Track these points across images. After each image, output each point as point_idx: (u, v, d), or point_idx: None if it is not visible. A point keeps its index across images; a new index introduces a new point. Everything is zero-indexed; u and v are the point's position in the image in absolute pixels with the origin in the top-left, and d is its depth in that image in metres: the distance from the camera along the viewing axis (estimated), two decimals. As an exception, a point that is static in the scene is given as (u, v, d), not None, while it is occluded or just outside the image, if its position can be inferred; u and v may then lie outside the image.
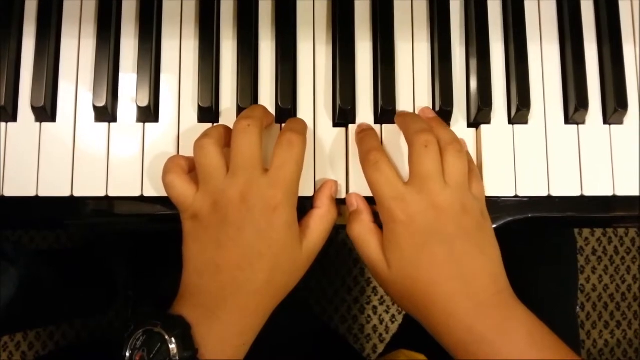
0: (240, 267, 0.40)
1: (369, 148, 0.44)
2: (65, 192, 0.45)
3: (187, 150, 0.45)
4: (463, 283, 0.41)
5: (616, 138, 0.48)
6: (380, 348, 1.15)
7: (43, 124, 0.46)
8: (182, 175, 0.42)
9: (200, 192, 0.42)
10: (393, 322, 1.15)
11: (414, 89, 0.48)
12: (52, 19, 0.47)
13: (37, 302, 0.79)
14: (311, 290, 1.14)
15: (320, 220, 0.44)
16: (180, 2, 0.48)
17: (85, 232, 1.09)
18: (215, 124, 0.46)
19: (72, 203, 0.46)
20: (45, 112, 0.45)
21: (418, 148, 0.42)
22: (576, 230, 1.13)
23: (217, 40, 0.47)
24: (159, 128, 0.46)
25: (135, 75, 0.46)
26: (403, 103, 0.48)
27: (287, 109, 0.46)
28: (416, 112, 0.48)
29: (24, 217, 0.46)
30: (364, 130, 0.46)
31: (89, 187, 0.45)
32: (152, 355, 0.37)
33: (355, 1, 0.48)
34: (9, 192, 0.45)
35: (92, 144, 0.46)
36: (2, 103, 0.45)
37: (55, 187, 0.45)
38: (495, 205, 0.47)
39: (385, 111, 0.47)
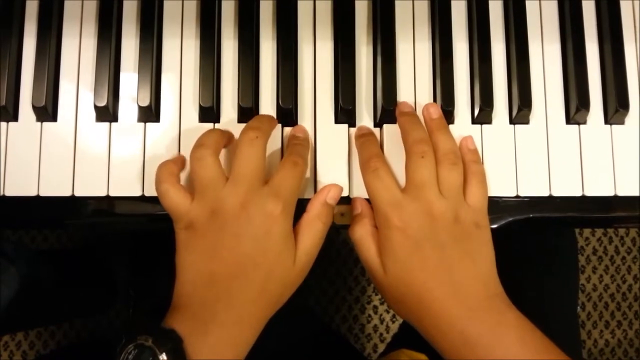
0: (235, 276, 0.40)
1: (370, 155, 0.44)
2: (66, 192, 0.45)
3: (188, 151, 0.45)
4: (454, 288, 0.42)
5: (617, 138, 0.48)
6: (381, 348, 1.15)
7: (44, 123, 0.46)
8: (176, 185, 0.42)
9: (196, 201, 0.42)
10: (394, 322, 1.15)
11: (415, 89, 0.48)
12: (53, 19, 0.47)
13: (38, 302, 0.79)
14: (312, 290, 1.14)
15: (308, 225, 0.43)
16: (181, 1, 0.48)
17: (85, 232, 1.09)
18: (209, 130, 0.45)
19: (73, 203, 0.46)
20: (46, 111, 0.45)
21: (415, 158, 0.43)
22: (577, 230, 1.12)
23: (218, 40, 0.47)
24: (160, 128, 0.46)
25: (136, 75, 0.46)
26: (404, 103, 0.48)
27: (288, 108, 0.46)
28: (420, 109, 0.48)
29: (25, 216, 0.46)
30: (365, 135, 0.46)
31: (90, 186, 0.45)
32: None
33: (356, 1, 0.48)
34: (9, 191, 0.45)
35: (93, 144, 0.46)
36: (3, 103, 0.45)
37: (56, 186, 0.45)
38: (496, 205, 0.47)
39: (387, 111, 0.47)
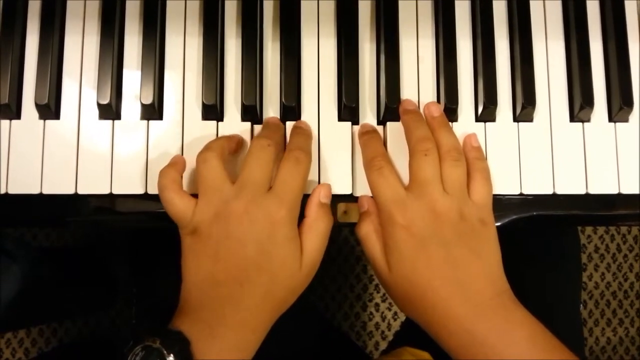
0: (240, 282, 0.40)
1: (374, 153, 0.44)
2: (69, 190, 0.45)
3: (191, 148, 0.45)
4: (460, 286, 0.41)
5: (621, 136, 0.48)
6: (383, 345, 1.15)
7: (47, 121, 0.46)
8: (179, 192, 0.42)
9: (200, 203, 0.42)
10: (395, 319, 1.15)
11: (418, 87, 0.48)
12: (56, 16, 0.46)
13: (39, 300, 0.79)
14: (314, 287, 1.14)
15: (310, 228, 0.43)
16: (184, -1, 0.48)
17: (88, 230, 1.09)
18: (216, 138, 0.45)
19: (75, 200, 0.46)
20: (49, 109, 0.45)
21: (419, 156, 0.43)
22: (579, 228, 1.12)
23: (222, 38, 0.47)
24: (163, 125, 0.46)
25: (139, 73, 0.46)
26: (408, 101, 0.48)
27: (291, 106, 0.46)
28: (422, 108, 0.47)
29: (28, 214, 0.46)
30: (369, 133, 0.46)
31: (93, 184, 0.45)
32: None
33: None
34: (13, 189, 0.45)
35: (96, 142, 0.46)
36: (6, 100, 0.45)
37: (59, 184, 0.45)
38: (500, 203, 0.47)
39: (390, 109, 0.47)
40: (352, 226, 0.46)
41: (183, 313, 0.41)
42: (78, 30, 0.47)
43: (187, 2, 0.48)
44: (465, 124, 0.48)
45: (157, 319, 0.41)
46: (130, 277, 1.01)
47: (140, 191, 0.46)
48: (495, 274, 0.43)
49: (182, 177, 0.44)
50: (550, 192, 0.47)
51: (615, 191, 0.48)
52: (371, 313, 1.15)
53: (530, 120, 0.48)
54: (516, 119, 0.48)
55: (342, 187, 0.46)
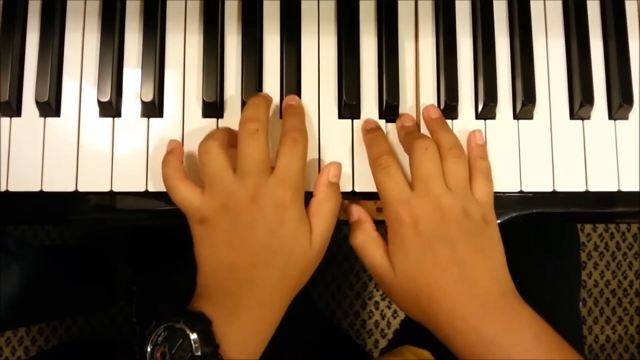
0: (255, 266, 0.41)
1: (380, 152, 0.44)
2: (69, 187, 0.45)
3: (192, 146, 0.45)
4: (467, 286, 0.41)
5: (621, 133, 0.48)
6: (382, 343, 1.15)
7: (47, 119, 0.46)
8: (185, 180, 0.42)
9: (206, 194, 0.42)
10: (395, 318, 1.15)
11: (418, 84, 0.48)
12: (56, 14, 0.46)
13: (40, 298, 0.79)
14: (314, 285, 1.14)
15: (318, 209, 0.43)
16: (184, -4, 0.48)
17: (88, 228, 1.09)
18: (217, 128, 0.46)
19: (76, 198, 0.46)
20: (50, 107, 0.45)
21: (418, 151, 0.43)
22: (578, 226, 1.13)
23: (222, 35, 0.47)
24: (163, 123, 0.46)
25: (139, 70, 0.46)
26: (408, 98, 0.48)
27: (291, 104, 0.46)
28: (421, 108, 0.48)
29: (29, 212, 0.46)
30: (374, 131, 0.46)
31: (94, 182, 0.45)
32: (173, 351, 0.37)
33: (360, -4, 0.48)
34: (13, 187, 0.45)
35: (97, 139, 0.46)
36: (7, 98, 0.45)
37: (59, 182, 0.45)
38: (500, 201, 0.47)
39: (390, 106, 0.47)
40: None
41: (201, 297, 0.41)
42: (78, 28, 0.47)
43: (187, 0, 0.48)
44: (466, 121, 0.48)
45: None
46: (131, 275, 1.01)
47: (141, 189, 0.46)
48: (501, 272, 0.43)
49: (183, 162, 0.44)
50: (550, 189, 0.47)
51: (615, 189, 0.48)
52: (371, 311, 1.15)
53: (531, 117, 0.48)
54: (516, 116, 0.48)
55: (342, 184, 0.46)
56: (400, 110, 0.48)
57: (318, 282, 1.14)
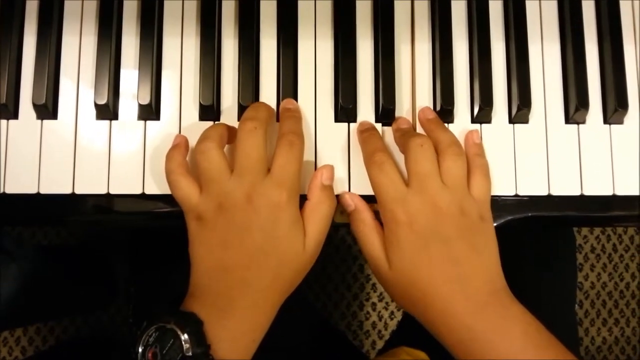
0: (248, 267, 0.41)
1: (374, 149, 0.44)
2: (66, 190, 0.45)
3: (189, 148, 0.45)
4: (461, 284, 0.42)
5: (616, 138, 0.48)
6: (379, 344, 1.15)
7: (44, 121, 0.46)
8: (186, 176, 0.43)
9: (204, 194, 0.42)
10: (392, 319, 1.15)
11: (414, 88, 0.48)
12: (53, 16, 0.47)
13: (38, 298, 0.79)
14: (310, 286, 1.14)
15: (312, 212, 0.43)
16: (181, 0, 0.48)
17: (86, 230, 1.09)
18: (214, 124, 0.46)
19: (73, 200, 0.46)
20: (47, 109, 0.45)
21: (414, 148, 0.43)
22: (575, 228, 1.13)
23: (219, 38, 0.47)
24: (160, 126, 0.47)
25: (136, 73, 0.46)
26: (404, 102, 0.48)
27: (288, 107, 0.46)
28: (417, 112, 0.48)
29: (26, 214, 0.46)
30: (368, 130, 0.46)
31: (91, 184, 0.45)
32: (164, 351, 0.37)
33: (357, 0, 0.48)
34: (10, 189, 0.45)
35: (94, 142, 0.46)
36: (4, 100, 0.45)
37: (56, 184, 0.45)
38: (495, 204, 0.47)
39: (386, 110, 0.47)
40: (350, 226, 0.46)
41: (194, 296, 0.41)
42: (75, 31, 0.47)
43: (185, 2, 0.48)
44: (461, 125, 0.48)
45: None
46: (129, 275, 1.02)
47: (138, 191, 0.46)
48: (494, 270, 0.43)
49: (186, 158, 0.44)
50: (545, 193, 0.47)
51: (610, 193, 0.48)
52: (368, 312, 1.15)
53: (526, 121, 0.48)
54: (512, 120, 0.48)
55: (338, 187, 0.46)
56: (397, 114, 0.48)
57: (315, 283, 1.15)
